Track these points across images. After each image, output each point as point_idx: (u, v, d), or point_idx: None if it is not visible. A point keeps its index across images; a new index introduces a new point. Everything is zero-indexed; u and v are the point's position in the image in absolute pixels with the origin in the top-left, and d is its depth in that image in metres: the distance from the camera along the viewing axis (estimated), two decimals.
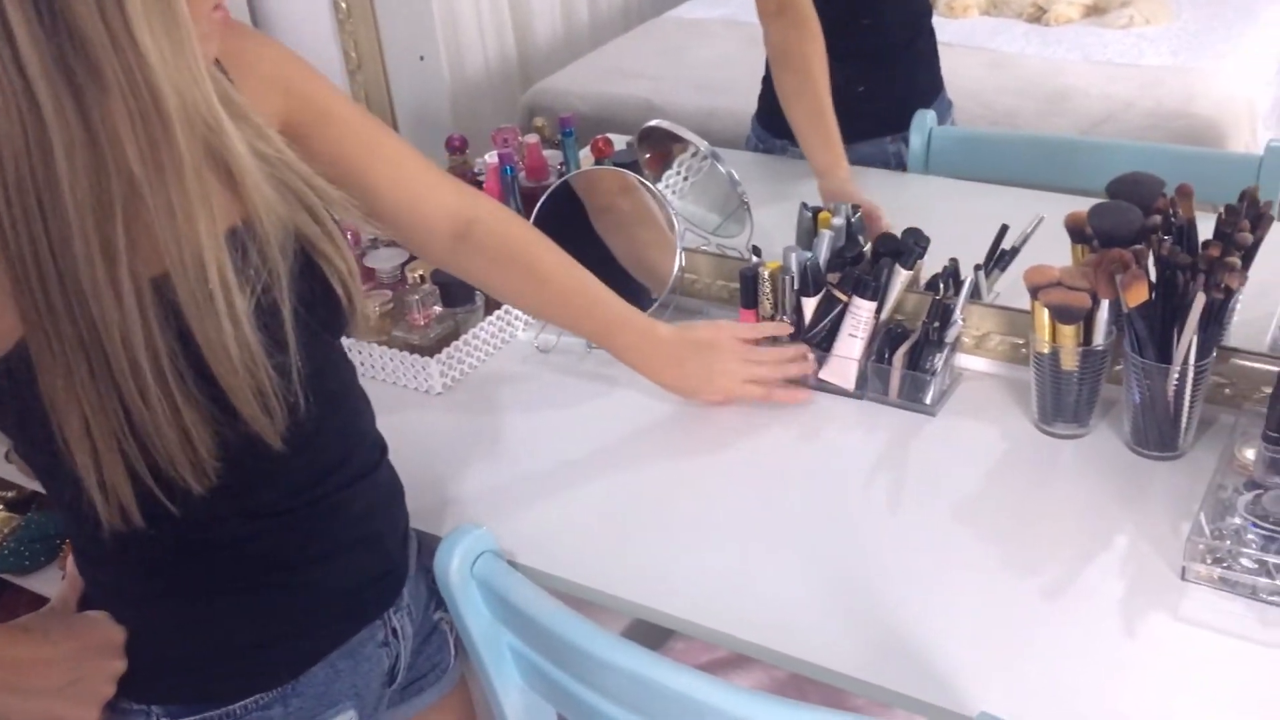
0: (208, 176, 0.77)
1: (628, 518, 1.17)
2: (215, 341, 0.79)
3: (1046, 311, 1.16)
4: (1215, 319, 1.09)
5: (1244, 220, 1.14)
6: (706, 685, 0.89)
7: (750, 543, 1.12)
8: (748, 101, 1.80)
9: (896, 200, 1.71)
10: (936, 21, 1.85)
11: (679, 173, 1.67)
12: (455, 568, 1.02)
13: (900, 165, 1.68)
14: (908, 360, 1.27)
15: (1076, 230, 1.21)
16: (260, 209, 0.82)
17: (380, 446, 1.06)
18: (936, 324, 1.26)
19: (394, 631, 1.06)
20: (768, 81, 1.77)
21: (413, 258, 1.52)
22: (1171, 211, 1.17)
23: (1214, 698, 0.90)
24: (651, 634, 1.30)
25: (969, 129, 1.77)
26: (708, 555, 1.10)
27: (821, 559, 1.09)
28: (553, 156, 1.69)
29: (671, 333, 1.27)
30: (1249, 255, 1.17)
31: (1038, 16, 1.88)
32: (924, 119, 1.69)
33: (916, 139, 1.69)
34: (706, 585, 1.06)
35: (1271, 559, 0.99)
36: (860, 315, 1.28)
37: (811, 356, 1.31)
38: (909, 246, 1.30)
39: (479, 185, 1.62)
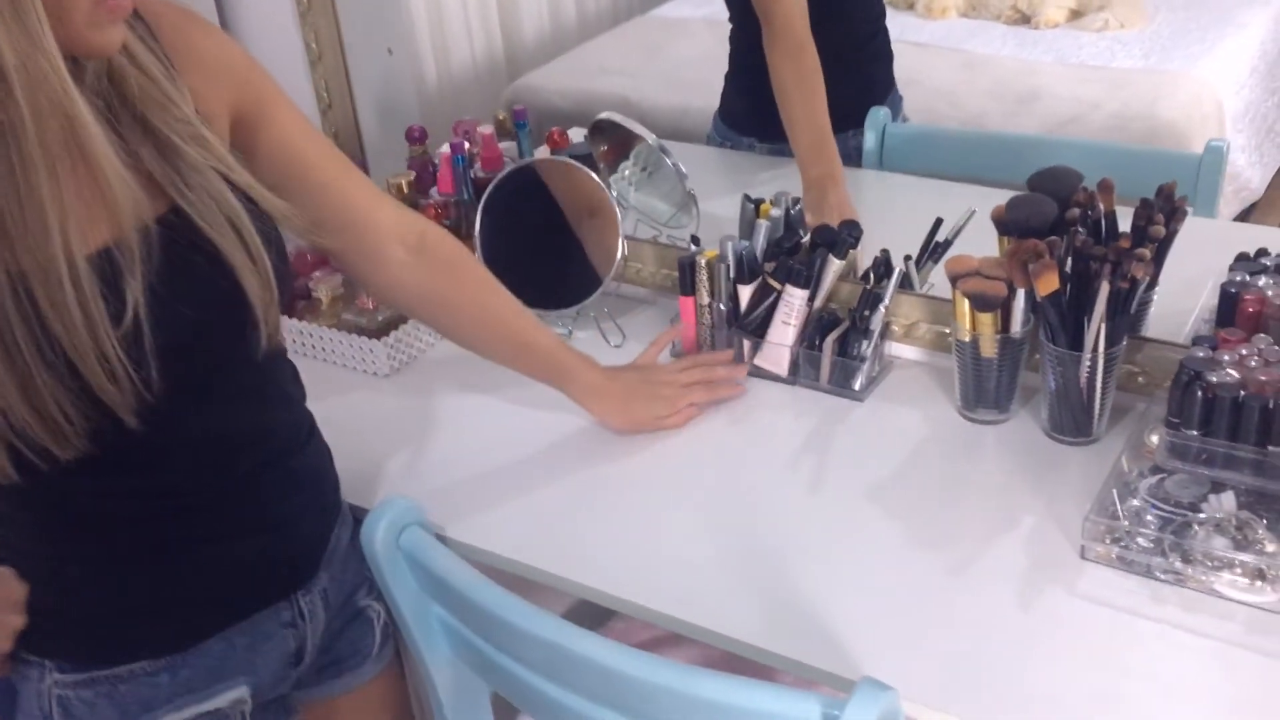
0: (54, 149, 0.79)
1: (569, 499, 1.21)
2: (60, 305, 0.81)
3: (966, 300, 1.19)
4: (1123, 308, 1.12)
5: (1158, 214, 1.18)
6: (616, 653, 0.92)
7: (679, 522, 1.16)
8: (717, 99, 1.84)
9: (850, 194, 1.75)
10: (914, 22, 1.89)
11: (637, 165, 1.71)
12: (381, 538, 1.05)
13: (859, 157, 1.72)
14: (838, 347, 1.31)
15: (1002, 222, 1.25)
16: (120, 197, 0.83)
17: (297, 437, 1.06)
18: (865, 312, 1.30)
19: (301, 613, 1.07)
20: (731, 79, 1.81)
21: None
22: (1090, 205, 1.21)
23: (1103, 669, 0.94)
24: (594, 614, 1.34)
25: (921, 125, 1.81)
26: (640, 535, 1.14)
27: (744, 537, 1.12)
28: (510, 149, 1.73)
29: (611, 375, 1.29)
30: (1164, 248, 1.21)
31: (1019, 19, 1.92)
32: (878, 115, 1.73)
33: (871, 135, 1.73)
34: (638, 564, 1.10)
35: (1167, 539, 1.02)
36: (793, 303, 1.32)
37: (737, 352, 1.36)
38: (842, 237, 1.33)
39: (435, 176, 1.66)
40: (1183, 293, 1.31)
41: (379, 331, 1.43)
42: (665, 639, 1.40)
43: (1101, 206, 1.22)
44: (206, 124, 0.93)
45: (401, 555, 1.07)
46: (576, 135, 1.72)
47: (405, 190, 1.59)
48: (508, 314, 1.23)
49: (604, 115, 1.61)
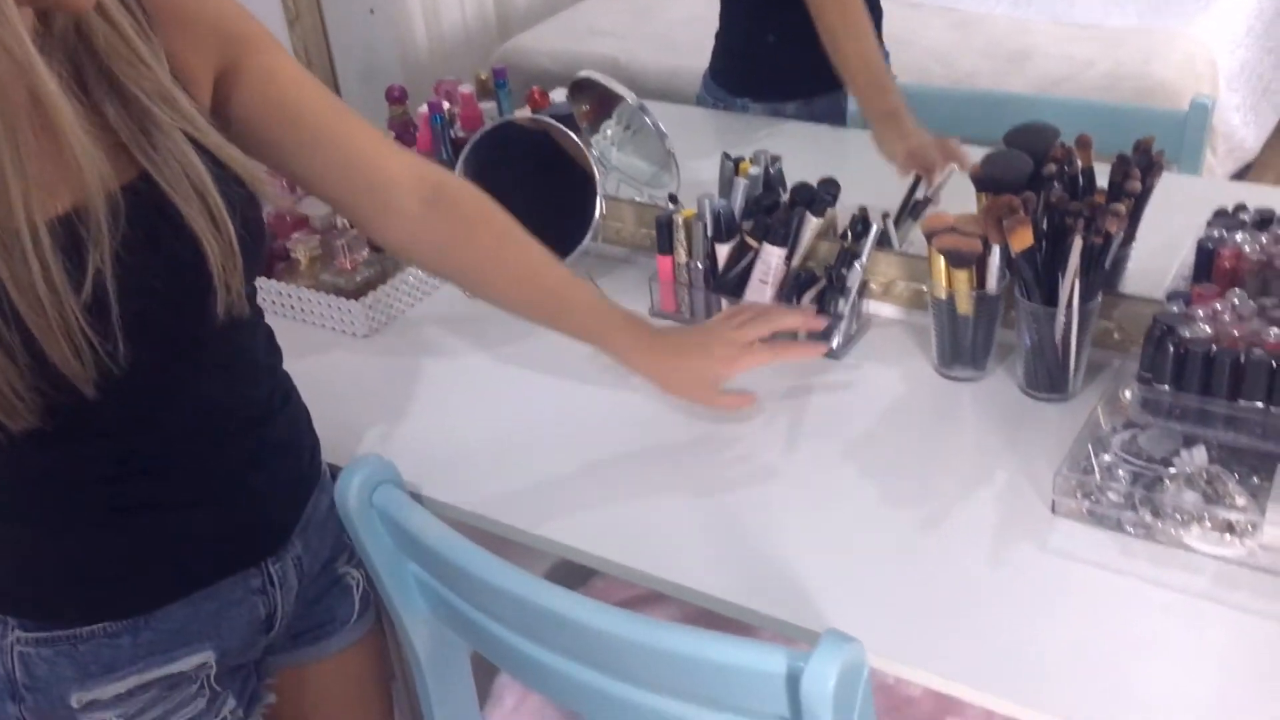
0: (15, 118, 0.77)
1: (546, 459, 1.21)
2: (21, 276, 0.79)
3: (942, 257, 1.19)
4: (1098, 263, 1.12)
5: (1134, 169, 1.17)
6: (588, 609, 0.92)
7: (655, 481, 1.16)
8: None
9: (835, 154, 1.74)
10: None
11: (619, 124, 1.69)
12: (354, 496, 1.05)
13: (845, 119, 1.71)
14: (815, 306, 1.31)
15: (978, 179, 1.24)
16: (85, 167, 0.81)
17: (270, 406, 1.05)
18: (843, 270, 1.30)
19: (272, 580, 1.06)
20: (721, 38, 1.80)
21: None
22: (1067, 161, 1.20)
23: (1071, 622, 0.94)
24: (574, 575, 1.34)
25: (906, 84, 1.79)
26: (616, 494, 1.14)
27: (719, 495, 1.13)
28: (491, 109, 1.72)
29: (661, 330, 1.20)
30: (1141, 203, 1.21)
31: None
32: None
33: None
34: (614, 523, 1.11)
35: (1138, 493, 1.02)
36: (770, 261, 1.31)
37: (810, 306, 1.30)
38: (820, 195, 1.33)
39: (415, 136, 1.65)
40: (1164, 249, 1.30)
41: (356, 292, 1.42)
42: (642, 599, 1.41)
43: (1079, 162, 1.21)
44: (185, 84, 0.91)
45: (375, 513, 1.07)
46: (560, 96, 1.71)
47: None
48: (538, 269, 1.14)
49: (584, 74, 1.59)
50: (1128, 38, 1.81)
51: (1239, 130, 1.86)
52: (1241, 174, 1.83)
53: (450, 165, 1.57)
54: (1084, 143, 1.22)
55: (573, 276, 1.17)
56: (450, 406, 1.31)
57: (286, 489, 1.08)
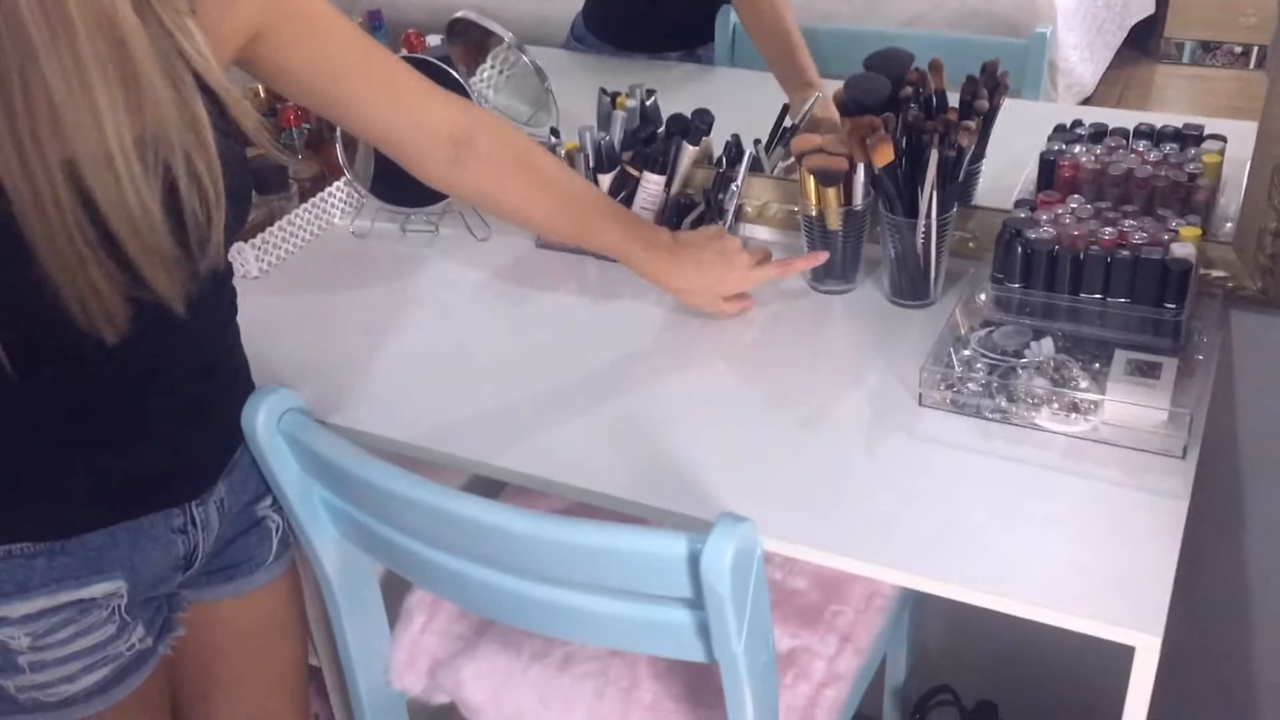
0: (102, 48, 0.81)
1: (446, 382, 1.25)
2: (116, 202, 0.84)
3: (811, 176, 1.27)
4: (952, 176, 1.21)
5: (982, 89, 1.26)
6: (494, 511, 0.98)
7: (553, 397, 1.22)
8: (578, 7, 1.86)
9: (703, 91, 1.81)
10: None
11: (494, 66, 1.73)
12: (261, 423, 1.08)
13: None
14: (694, 229, 1.37)
15: (841, 103, 1.32)
16: (156, 81, 0.85)
17: (218, 357, 1.09)
18: (719, 194, 1.37)
19: (194, 520, 1.09)
20: None
21: None
22: (922, 84, 1.29)
23: (940, 497, 1.04)
24: (485, 493, 1.39)
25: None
26: (519, 411, 1.20)
27: (615, 406, 1.19)
28: None
29: (679, 237, 1.28)
30: (989, 120, 1.30)
31: None
32: (727, 16, 1.78)
33: (720, 35, 1.78)
34: (518, 437, 1.16)
35: (995, 382, 1.12)
36: (650, 189, 1.38)
37: None
38: (695, 125, 1.39)
39: None
40: (1011, 167, 1.41)
41: (246, 234, 1.44)
42: (551, 512, 1.47)
43: (932, 85, 1.30)
44: (212, 38, 0.93)
45: (282, 438, 1.10)
46: (436, 41, 1.73)
47: (263, 94, 1.59)
48: (567, 207, 1.22)
49: (460, 14, 1.62)
50: None
51: (1077, 67, 1.98)
52: (1083, 106, 1.95)
53: None
54: (936, 66, 1.31)
55: (600, 205, 1.25)
56: (347, 339, 1.34)
57: (220, 436, 1.10)
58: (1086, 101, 1.98)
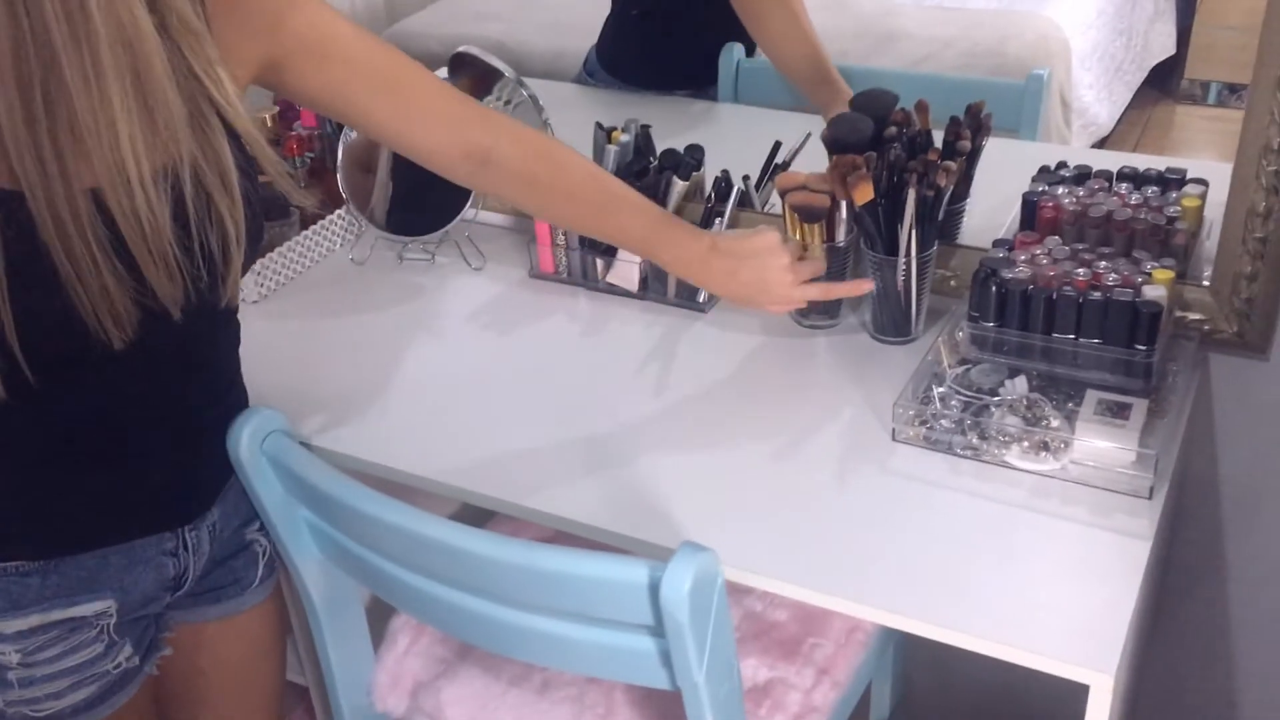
0: (123, 63, 0.84)
1: (435, 410, 1.28)
2: (128, 208, 0.87)
3: (795, 212, 1.29)
4: (931, 214, 1.23)
5: (965, 130, 1.28)
6: (463, 535, 0.99)
7: (535, 426, 1.24)
8: (593, 43, 1.89)
9: (706, 127, 1.84)
10: None
11: (499, 98, 1.76)
12: (245, 444, 1.11)
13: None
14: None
15: (827, 140, 1.34)
16: (175, 116, 0.89)
17: (220, 389, 1.12)
18: (708, 228, 1.39)
19: (185, 544, 1.12)
20: (611, 22, 1.87)
21: None
22: (906, 124, 1.31)
23: (908, 532, 1.05)
24: (478, 517, 1.41)
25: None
26: (501, 439, 1.22)
27: (594, 436, 1.21)
28: None
29: (720, 243, 1.23)
30: (973, 160, 1.32)
31: None
32: (731, 53, 1.81)
33: (724, 71, 1.81)
34: (500, 463, 1.18)
35: (968, 419, 1.14)
36: None
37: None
38: (685, 160, 1.42)
39: (300, 112, 1.70)
40: (1002, 206, 1.42)
41: None
42: (544, 538, 1.49)
43: (917, 124, 1.32)
44: (229, 66, 0.95)
45: (266, 460, 1.13)
46: (443, 74, 1.77)
47: (270, 124, 1.63)
48: (594, 212, 1.21)
49: (463, 49, 1.66)
50: (986, 19, 1.92)
51: (1092, 106, 1.99)
52: (1098, 148, 1.96)
53: (335, 139, 1.63)
54: (921, 108, 1.33)
55: (628, 203, 1.22)
56: (341, 364, 1.37)
57: (217, 462, 1.12)
58: (1103, 141, 1.99)
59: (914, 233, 1.22)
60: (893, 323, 1.30)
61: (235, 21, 0.98)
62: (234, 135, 0.95)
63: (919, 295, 1.28)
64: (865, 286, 1.28)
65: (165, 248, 0.91)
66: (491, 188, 1.20)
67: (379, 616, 1.35)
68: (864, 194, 1.21)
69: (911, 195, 1.19)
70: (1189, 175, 1.29)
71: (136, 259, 0.90)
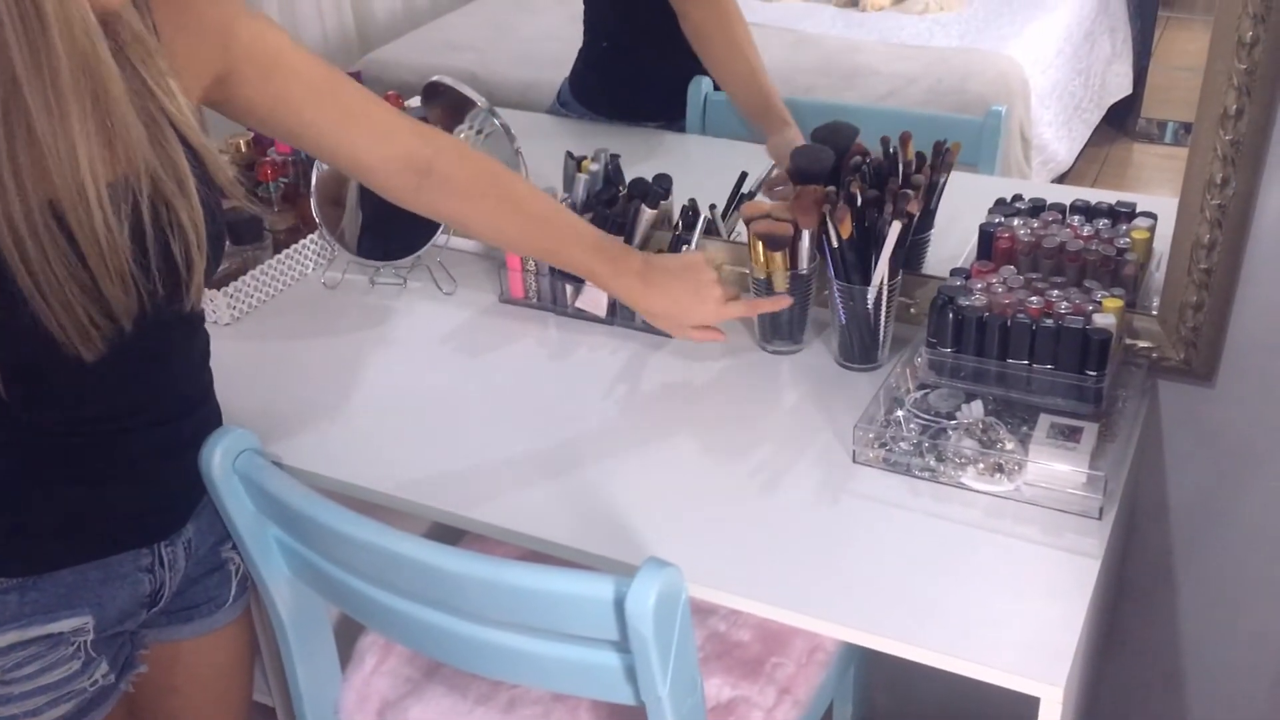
0: (83, 86, 0.85)
1: (404, 430, 1.30)
2: (87, 226, 0.88)
3: (759, 241, 1.32)
4: (899, 244, 1.26)
5: (925, 165, 1.32)
6: (430, 550, 1.01)
7: (504, 447, 1.26)
8: (566, 74, 1.93)
9: (675, 158, 1.87)
10: (753, 3, 2.00)
11: (471, 127, 1.79)
12: (217, 463, 1.12)
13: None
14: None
15: (790, 171, 1.38)
16: (132, 136, 0.90)
17: (192, 401, 1.13)
18: None
19: (162, 560, 1.13)
20: (583, 53, 1.91)
21: None
22: (866, 155, 1.35)
23: (865, 551, 1.08)
24: (450, 536, 1.43)
25: None
26: (472, 459, 1.24)
27: (562, 457, 1.24)
28: None
29: (653, 260, 1.29)
30: (934, 193, 1.36)
31: (848, 3, 2.05)
32: (699, 85, 1.85)
33: (693, 103, 1.85)
34: (470, 482, 1.20)
35: (925, 442, 1.17)
36: None
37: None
38: (654, 189, 1.45)
39: (274, 140, 1.72)
40: (963, 238, 1.46)
41: (219, 282, 1.49)
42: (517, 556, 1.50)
43: (901, 155, 1.35)
44: (181, 80, 0.97)
45: (237, 478, 1.14)
46: (416, 103, 1.80)
47: (244, 149, 1.65)
48: (532, 230, 1.25)
49: (436, 78, 1.69)
50: (949, 57, 1.97)
51: (1051, 143, 2.04)
52: (1057, 183, 2.01)
53: (309, 164, 1.65)
54: (905, 139, 1.36)
55: (568, 226, 1.27)
56: (312, 386, 1.38)
57: (191, 478, 1.13)
58: (1063, 177, 2.04)
59: (887, 263, 1.25)
60: (861, 349, 1.33)
61: (184, 37, 1.00)
62: (188, 145, 0.97)
63: (886, 323, 1.31)
64: (784, 302, 1.33)
65: (122, 264, 0.92)
66: (433, 204, 1.22)
67: (347, 636, 1.36)
68: (847, 228, 1.24)
69: (896, 226, 1.22)
70: (1139, 209, 1.34)
71: (94, 274, 0.91)
